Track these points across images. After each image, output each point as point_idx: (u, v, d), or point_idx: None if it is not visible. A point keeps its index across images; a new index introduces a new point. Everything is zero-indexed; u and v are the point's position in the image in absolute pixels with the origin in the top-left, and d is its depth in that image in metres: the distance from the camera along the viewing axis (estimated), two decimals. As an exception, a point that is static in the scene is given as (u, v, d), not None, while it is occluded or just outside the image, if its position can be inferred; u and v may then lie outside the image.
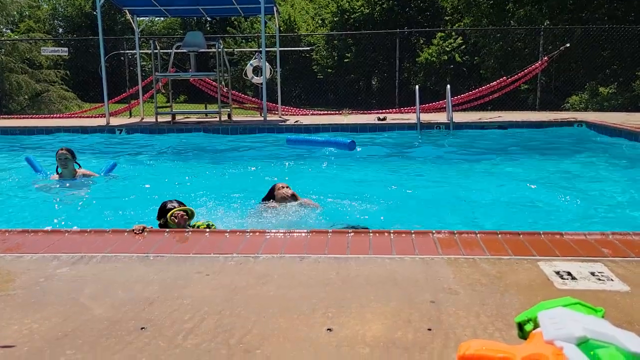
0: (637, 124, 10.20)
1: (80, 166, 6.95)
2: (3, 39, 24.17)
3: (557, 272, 2.73)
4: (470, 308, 2.33)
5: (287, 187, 5.36)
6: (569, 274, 2.71)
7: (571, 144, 10.18)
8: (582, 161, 8.28)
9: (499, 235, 3.32)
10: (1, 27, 26.02)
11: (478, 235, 3.34)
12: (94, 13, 31.07)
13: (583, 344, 1.36)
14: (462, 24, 22.66)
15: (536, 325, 1.52)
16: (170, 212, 4.13)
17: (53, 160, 6.88)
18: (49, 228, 3.68)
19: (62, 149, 6.85)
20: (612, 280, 2.63)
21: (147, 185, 6.77)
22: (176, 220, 4.10)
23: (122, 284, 2.71)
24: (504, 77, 15.17)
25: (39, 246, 3.26)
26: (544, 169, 7.63)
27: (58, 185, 6.67)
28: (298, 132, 11.20)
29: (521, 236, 3.30)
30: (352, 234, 3.43)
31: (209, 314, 2.31)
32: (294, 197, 5.30)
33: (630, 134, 9.45)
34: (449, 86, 12.36)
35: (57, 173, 6.89)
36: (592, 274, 2.71)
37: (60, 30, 38.53)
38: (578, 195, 5.97)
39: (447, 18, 25.14)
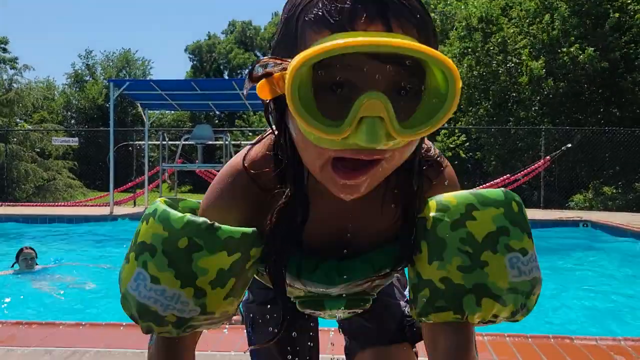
0: (641, 225, 10.18)
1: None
2: (17, 129, 24.75)
3: (569, 380, 2.61)
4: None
5: None
6: (582, 382, 2.59)
7: (577, 244, 10.08)
8: (588, 261, 8.18)
9: (507, 338, 3.21)
10: (16, 118, 26.76)
11: (485, 337, 3.22)
12: (106, 105, 32.06)
13: None
14: (464, 121, 23.19)
15: None
16: None
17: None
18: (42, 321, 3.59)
19: (28, 248, 6.39)
20: (627, 390, 2.51)
21: None
22: None
23: (114, 382, 2.60)
24: (507, 175, 15.32)
25: (31, 340, 3.16)
26: (549, 268, 7.51)
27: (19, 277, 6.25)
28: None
29: (530, 339, 3.19)
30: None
31: (202, 419, 2.19)
32: None
33: (636, 235, 9.42)
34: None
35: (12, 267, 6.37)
36: (606, 382, 2.58)
37: (73, 121, 39.58)
38: (586, 296, 5.85)
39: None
